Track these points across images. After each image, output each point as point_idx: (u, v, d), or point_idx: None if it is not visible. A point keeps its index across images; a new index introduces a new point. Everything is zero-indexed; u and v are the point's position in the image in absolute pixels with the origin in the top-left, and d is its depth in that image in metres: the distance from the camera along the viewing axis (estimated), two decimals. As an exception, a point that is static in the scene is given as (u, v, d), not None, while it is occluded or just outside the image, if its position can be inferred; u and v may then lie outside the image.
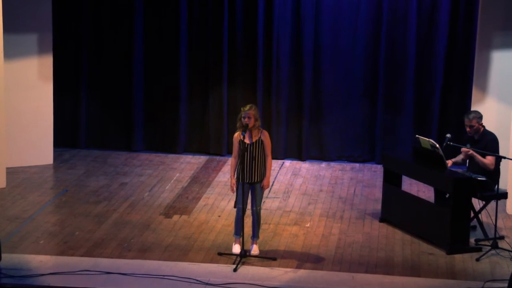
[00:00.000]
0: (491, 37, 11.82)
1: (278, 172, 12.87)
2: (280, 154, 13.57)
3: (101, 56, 13.78)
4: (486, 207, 10.23)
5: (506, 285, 8.62)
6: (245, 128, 9.20)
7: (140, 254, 9.42)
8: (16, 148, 12.51)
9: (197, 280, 8.70)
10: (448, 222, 9.62)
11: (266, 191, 11.42)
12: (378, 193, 11.50)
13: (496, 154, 10.00)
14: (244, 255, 9.22)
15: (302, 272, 9.03)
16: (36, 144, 12.77)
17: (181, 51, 13.59)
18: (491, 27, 11.78)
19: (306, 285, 8.74)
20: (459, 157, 10.43)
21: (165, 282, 8.70)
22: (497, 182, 10.03)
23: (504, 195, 10.23)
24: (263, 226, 10.16)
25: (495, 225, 9.73)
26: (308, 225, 10.54)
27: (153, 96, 13.84)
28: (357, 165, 13.41)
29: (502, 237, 10.07)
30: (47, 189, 11.80)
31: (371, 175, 12.81)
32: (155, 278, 8.77)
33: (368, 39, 13.28)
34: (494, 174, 10.06)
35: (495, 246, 9.66)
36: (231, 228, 9.78)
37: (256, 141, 9.28)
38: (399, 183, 10.67)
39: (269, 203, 11.34)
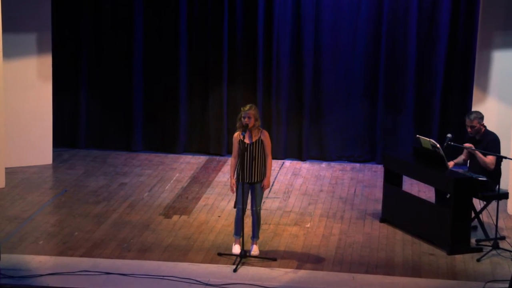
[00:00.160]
0: (492, 36, 11.81)
1: (278, 172, 12.85)
2: (280, 154, 13.56)
3: (100, 55, 13.76)
4: (487, 207, 10.21)
5: (507, 285, 8.64)
6: (245, 128, 9.18)
7: (139, 255, 9.40)
8: (15, 148, 12.49)
9: (197, 281, 8.69)
10: (449, 223, 9.61)
11: (266, 191, 11.43)
12: (378, 193, 11.48)
13: (497, 154, 9.97)
14: (244, 256, 9.20)
15: (302, 273, 9.01)
16: (35, 144, 12.76)
17: (181, 50, 13.58)
18: (492, 27, 11.77)
19: (306, 286, 8.72)
20: (460, 158, 10.43)
21: (164, 283, 8.68)
22: (498, 182, 10.04)
23: (505, 195, 10.22)
24: (263, 227, 10.15)
25: (496, 226, 9.72)
26: (308, 225, 10.52)
27: (152, 96, 13.82)
28: (357, 165, 13.39)
29: (503, 238, 10.06)
30: (46, 189, 11.79)
31: (372, 175, 12.80)
32: (155, 278, 8.76)
33: (369, 39, 13.26)
34: (495, 174, 10.04)
35: (496, 246, 9.64)
36: (231, 229, 9.76)
37: (256, 141, 9.26)
38: (399, 183, 10.66)
39: (269, 203, 11.32)
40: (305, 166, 13.30)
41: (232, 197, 9.67)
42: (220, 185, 12.09)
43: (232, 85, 13.64)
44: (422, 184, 11.53)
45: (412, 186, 11.76)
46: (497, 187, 10.02)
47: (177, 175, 12.62)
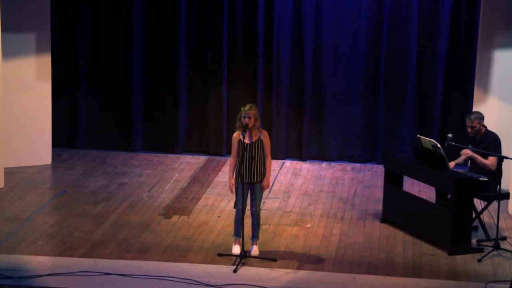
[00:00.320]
0: (493, 36, 11.79)
1: (278, 172, 12.83)
2: (281, 154, 13.54)
3: (100, 55, 13.75)
4: (488, 208, 10.19)
5: (508, 286, 8.63)
6: (245, 128, 9.17)
7: (139, 255, 9.39)
8: (14, 148, 12.48)
9: (197, 281, 8.68)
10: (449, 223, 9.59)
11: (266, 192, 11.42)
12: (379, 194, 11.46)
13: (498, 154, 9.95)
14: (244, 256, 9.19)
15: (302, 273, 9.00)
16: (35, 144, 12.74)
17: (180, 50, 13.56)
18: (493, 26, 11.76)
19: (307, 286, 8.71)
20: (461, 158, 10.39)
21: (164, 283, 8.67)
22: (499, 183, 10.02)
23: (506, 196, 10.20)
24: (263, 227, 10.15)
25: (497, 226, 9.71)
26: (308, 225, 10.50)
27: (152, 96, 13.80)
28: (358, 165, 13.37)
29: (504, 238, 10.05)
30: (45, 189, 11.77)
31: (372, 175, 12.78)
32: (155, 279, 8.74)
33: (369, 39, 13.24)
34: (496, 174, 10.03)
35: (497, 246, 9.63)
36: (231, 229, 9.74)
37: (255, 141, 9.24)
38: (400, 184, 10.64)
39: (269, 203, 11.30)
40: (305, 166, 13.28)
41: (232, 198, 9.65)
42: (220, 185, 12.07)
43: (232, 85, 13.62)
44: (422, 184, 11.52)
45: (413, 186, 11.75)
46: (498, 187, 10.00)
47: (177, 175, 12.60)
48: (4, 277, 8.66)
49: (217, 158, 13.59)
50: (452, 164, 10.12)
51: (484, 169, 10.01)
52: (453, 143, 10.18)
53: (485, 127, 10.19)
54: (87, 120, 13.87)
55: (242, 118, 9.20)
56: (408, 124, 13.29)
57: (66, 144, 13.83)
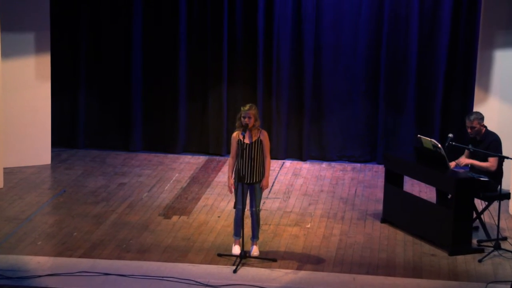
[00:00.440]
0: (494, 36, 11.78)
1: (278, 173, 12.81)
2: (281, 154, 13.52)
3: (99, 55, 13.73)
4: (489, 208, 10.18)
5: (509, 286, 8.61)
6: (245, 128, 9.15)
7: (139, 255, 9.37)
8: (13, 148, 12.46)
9: (197, 282, 8.67)
10: (450, 223, 9.58)
11: (266, 192, 11.42)
12: (379, 194, 11.44)
13: (499, 155, 9.93)
14: (244, 256, 9.18)
15: (302, 274, 8.98)
16: (34, 144, 12.72)
17: (180, 50, 13.54)
18: (494, 26, 11.75)
19: (307, 287, 8.69)
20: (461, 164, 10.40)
21: (164, 284, 8.65)
22: (500, 183, 9.99)
23: (507, 196, 10.19)
24: (263, 227, 10.14)
25: (498, 226, 9.71)
26: (308, 226, 10.49)
27: (152, 96, 13.79)
28: (358, 165, 13.36)
29: (504, 238, 10.04)
30: (45, 189, 11.75)
31: (372, 176, 12.76)
32: (154, 279, 8.73)
33: (370, 38, 13.22)
34: (496, 174, 10.02)
35: (497, 247, 9.62)
36: (231, 229, 9.72)
37: (255, 141, 9.23)
38: (400, 184, 10.62)
39: (269, 203, 11.28)
40: (305, 166, 13.26)
41: (232, 198, 9.64)
42: (220, 185, 12.05)
43: (232, 84, 13.60)
44: (423, 185, 11.50)
45: (413, 187, 11.74)
46: (499, 187, 9.98)
47: (177, 175, 12.58)
48: (4, 277, 8.64)
49: (217, 158, 13.57)
50: (452, 164, 10.10)
51: (486, 172, 10.00)
52: (453, 143, 10.16)
53: (485, 127, 10.17)
54: (86, 120, 13.85)
55: (242, 118, 9.18)
56: (408, 124, 13.27)
57: (66, 144, 13.82)
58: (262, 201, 9.38)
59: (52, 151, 13.06)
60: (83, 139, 13.87)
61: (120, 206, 11.07)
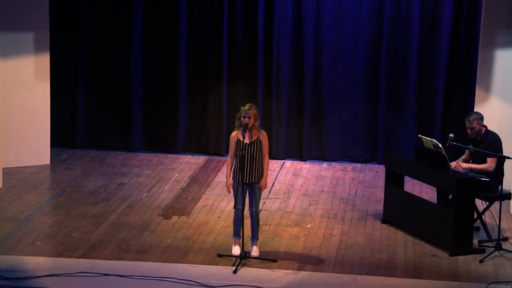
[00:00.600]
0: (495, 35, 11.76)
1: (278, 173, 12.79)
2: (281, 154, 13.50)
3: (99, 54, 13.71)
4: (490, 208, 10.16)
5: (510, 287, 8.57)
6: (245, 128, 9.13)
7: (138, 256, 9.35)
8: (12, 148, 12.44)
9: (196, 282, 8.65)
10: (451, 223, 9.57)
11: (266, 192, 11.40)
12: (380, 194, 11.43)
13: (498, 154, 9.90)
14: (244, 257, 9.16)
15: (303, 274, 8.96)
16: (33, 144, 12.70)
17: (180, 49, 13.52)
18: (495, 26, 11.73)
19: (307, 287, 8.64)
20: (462, 158, 10.38)
21: (164, 284, 8.64)
22: (501, 183, 9.96)
23: (508, 196, 10.16)
24: (263, 227, 10.13)
25: (499, 226, 9.72)
26: (309, 226, 10.47)
27: (151, 96, 13.76)
28: (358, 165, 13.33)
29: (506, 239, 10.01)
30: (44, 189, 11.72)
31: (373, 176, 12.74)
32: (154, 280, 8.71)
33: (370, 38, 13.20)
34: (497, 174, 10.00)
35: (498, 247, 9.61)
36: (231, 229, 9.69)
37: (254, 141, 9.20)
38: (401, 184, 10.60)
39: (270, 203, 11.26)
40: (305, 166, 13.24)
41: (232, 198, 9.60)
42: (220, 185, 12.02)
43: (231, 84, 13.58)
44: (424, 185, 11.48)
45: (414, 187, 11.71)
46: (500, 187, 9.95)
47: (176, 175, 12.56)
48: (3, 278, 8.63)
49: (217, 158, 13.55)
50: (453, 164, 10.07)
51: (486, 172, 9.98)
52: (454, 143, 10.14)
53: (485, 127, 10.16)
54: (86, 120, 13.82)
55: (242, 118, 9.17)
56: (409, 124, 13.25)
57: (65, 144, 13.79)
58: (262, 201, 9.36)
59: (51, 151, 13.03)
60: (82, 139, 13.85)
61: (119, 206, 11.05)
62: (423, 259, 9.44)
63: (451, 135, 10.26)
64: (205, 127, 13.76)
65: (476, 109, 11.70)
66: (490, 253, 9.50)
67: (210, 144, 13.75)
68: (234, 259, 9.20)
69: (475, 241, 9.81)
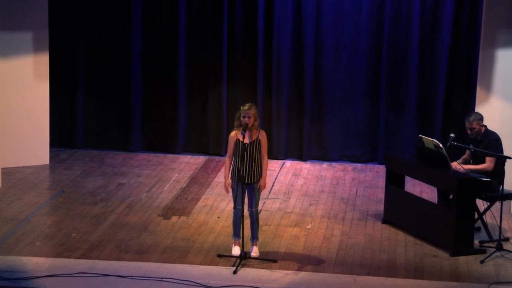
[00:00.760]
0: (496, 35, 11.75)
1: (278, 173, 12.77)
2: (281, 154, 13.48)
3: (98, 54, 13.69)
4: (491, 208, 10.14)
5: (511, 287, 8.54)
6: (245, 128, 9.11)
7: (138, 256, 9.34)
8: (11, 148, 12.43)
9: (196, 283, 8.63)
10: (452, 224, 9.55)
11: (266, 192, 11.39)
12: (380, 194, 11.42)
13: (498, 154, 9.87)
14: (244, 257, 9.15)
15: (303, 275, 8.94)
16: (32, 144, 12.68)
17: (180, 49, 13.49)
18: (496, 25, 11.73)
19: (308, 288, 8.65)
20: (463, 158, 10.36)
21: (163, 285, 8.62)
22: (502, 183, 9.92)
23: (509, 196, 10.16)
24: (263, 228, 10.13)
25: (500, 227, 9.70)
26: (309, 226, 10.45)
27: (151, 95, 13.75)
28: (359, 165, 13.31)
29: (507, 239, 10.00)
30: (43, 190, 11.70)
31: (374, 176, 12.73)
32: (153, 280, 8.69)
33: (371, 37, 13.18)
34: (498, 174, 9.97)
35: (499, 248, 9.59)
36: (231, 230, 9.66)
37: (254, 140, 9.17)
38: (402, 184, 10.58)
39: (270, 204, 11.24)
40: (306, 166, 13.22)
41: (232, 198, 9.57)
42: (220, 185, 12.00)
43: (231, 84, 13.55)
44: (424, 185, 11.46)
45: (415, 187, 11.70)
46: (501, 187, 9.92)
47: (176, 175, 12.53)
48: (2, 278, 8.61)
49: (217, 158, 13.53)
50: (454, 164, 10.05)
51: (486, 172, 9.96)
52: (455, 143, 10.12)
53: (485, 126, 10.13)
54: (85, 119, 13.80)
55: (241, 118, 9.15)
56: (409, 123, 13.22)
57: (64, 144, 13.77)
58: (262, 202, 9.34)
59: (50, 151, 13.02)
60: (81, 139, 13.82)
61: (119, 206, 11.02)
62: (423, 260, 9.42)
63: (452, 135, 10.24)
64: (205, 127, 13.73)
65: (477, 109, 11.70)
66: (491, 254, 9.48)
67: (210, 144, 13.73)
68: (234, 259, 9.18)
69: (476, 242, 9.79)
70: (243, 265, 9.05)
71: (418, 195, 11.04)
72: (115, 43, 13.62)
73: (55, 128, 13.24)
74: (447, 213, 9.66)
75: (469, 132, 10.12)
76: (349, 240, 9.97)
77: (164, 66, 13.62)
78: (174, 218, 10.61)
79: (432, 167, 9.95)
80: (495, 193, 9.93)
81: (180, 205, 11.14)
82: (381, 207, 10.84)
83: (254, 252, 9.33)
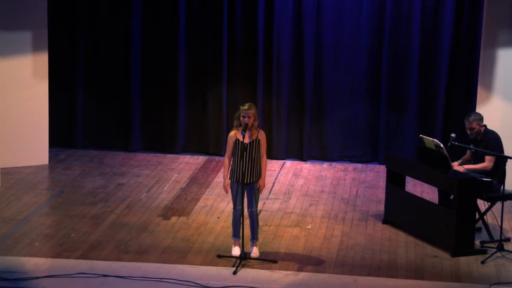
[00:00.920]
0: (497, 34, 11.73)
1: (278, 173, 12.75)
2: (281, 154, 13.46)
3: (97, 54, 13.68)
4: (492, 209, 10.13)
5: (512, 288, 8.57)
6: (245, 128, 9.08)
7: (137, 257, 9.32)
8: (10, 148, 12.42)
9: (196, 283, 8.62)
10: (452, 224, 9.53)
11: (266, 192, 11.37)
12: (381, 194, 11.41)
13: (498, 154, 9.85)
14: (244, 258, 9.13)
15: (303, 275, 8.93)
16: (31, 144, 12.66)
17: (179, 49, 13.48)
18: (497, 25, 11.71)
19: (308, 289, 8.64)
20: (464, 158, 10.36)
21: (163, 285, 8.60)
22: (503, 183, 9.90)
23: (510, 196, 10.11)
24: (263, 228, 10.13)
25: (501, 227, 9.68)
26: (309, 226, 10.43)
27: (151, 95, 13.73)
28: (359, 165, 13.29)
29: (508, 239, 9.99)
30: (42, 190, 11.69)
31: (374, 176, 12.70)
32: (153, 281, 8.68)
33: (371, 37, 13.16)
34: (499, 174, 9.96)
35: (500, 248, 9.57)
36: (231, 230, 9.65)
37: (253, 140, 9.15)
38: (402, 184, 10.57)
39: (270, 204, 11.22)
40: (306, 167, 13.20)
41: (231, 198, 9.56)
42: (220, 185, 11.98)
43: (231, 84, 13.53)
44: (425, 185, 11.46)
45: (415, 187, 11.69)
46: (502, 187, 9.89)
47: (176, 175, 12.51)
48: (1, 279, 8.60)
49: (217, 158, 13.51)
50: (455, 164, 10.03)
51: (485, 172, 9.93)
52: (456, 143, 10.11)
53: (485, 126, 10.11)
54: (84, 119, 13.79)
55: (241, 118, 9.13)
56: (410, 123, 13.20)
57: (64, 144, 13.76)
58: (262, 202, 9.32)
59: (49, 151, 13.01)
60: (81, 139, 13.81)
61: (118, 206, 11.00)
62: (424, 260, 9.40)
63: (453, 134, 10.22)
64: (205, 127, 13.71)
65: (477, 109, 11.69)
66: (492, 254, 9.46)
67: (209, 144, 13.71)
68: (234, 260, 9.16)
69: (477, 242, 9.77)
70: (243, 266, 9.03)
71: (419, 195, 11.02)
72: (114, 42, 13.61)
73: (54, 128, 13.23)
74: (448, 213, 9.64)
75: (468, 132, 10.10)
76: (350, 241, 9.95)
77: (164, 66, 13.60)
78: (173, 219, 10.59)
79: (433, 167, 9.93)
80: (496, 193, 9.91)
81: (180, 206, 11.12)
82: (381, 208, 10.83)
83: (254, 252, 9.31)
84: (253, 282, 8.67)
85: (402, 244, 9.87)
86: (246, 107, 9.12)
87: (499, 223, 9.72)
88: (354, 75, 13.29)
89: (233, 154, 9.21)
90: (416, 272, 9.08)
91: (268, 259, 9.21)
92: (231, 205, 9.76)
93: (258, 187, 9.21)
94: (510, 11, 11.63)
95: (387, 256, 9.51)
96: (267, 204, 11.19)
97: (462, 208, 9.49)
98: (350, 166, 13.25)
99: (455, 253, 9.49)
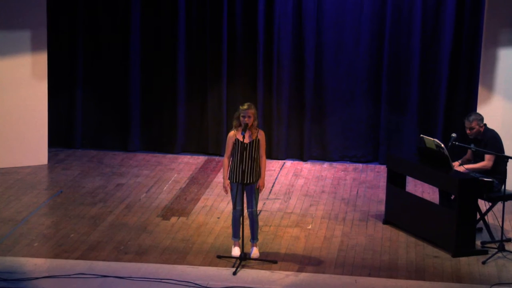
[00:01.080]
0: (498, 34, 11.72)
1: (279, 173, 12.73)
2: (281, 154, 13.44)
3: (97, 53, 13.66)
4: (493, 209, 10.11)
5: (513, 289, 8.55)
6: (245, 128, 9.07)
7: (137, 257, 9.31)
8: (9, 148, 12.42)
9: (196, 284, 8.61)
10: (453, 224, 9.52)
11: (266, 192, 11.36)
12: (381, 194, 11.39)
13: (498, 154, 9.83)
14: (244, 258, 9.12)
15: (303, 276, 8.92)
16: (30, 144, 12.64)
17: (179, 48, 13.46)
18: (498, 24, 11.70)
19: (308, 289, 8.63)
20: (464, 158, 10.36)
21: (162, 286, 8.59)
22: (504, 183, 9.89)
23: (511, 197, 10.07)
24: (263, 228, 10.13)
25: (502, 227, 9.67)
26: (309, 227, 10.41)
27: (150, 95, 13.71)
28: (360, 165, 13.27)
29: (509, 240, 9.97)
30: (41, 190, 11.68)
31: (375, 176, 12.69)
32: (153, 281, 8.67)
33: (372, 36, 13.14)
34: (500, 174, 9.95)
35: (501, 248, 9.56)
36: (231, 230, 9.62)
37: (253, 140, 9.14)
38: (403, 184, 10.55)
39: (270, 204, 11.20)
40: (306, 167, 13.18)
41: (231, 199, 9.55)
42: (219, 186, 11.95)
43: (231, 84, 13.51)
44: (426, 185, 11.46)
45: (416, 187, 11.68)
46: (503, 188, 9.88)
47: (175, 175, 12.49)
48: (0, 279, 8.57)
49: (216, 158, 13.49)
50: (456, 164, 10.01)
51: (486, 171, 9.90)
52: (457, 143, 10.10)
53: (485, 125, 10.09)
54: (84, 119, 13.77)
55: (241, 118, 9.11)
56: (411, 123, 13.18)
57: (63, 144, 13.75)
58: (262, 202, 9.30)
59: (49, 151, 12.99)
60: (80, 139, 13.78)
61: (117, 207, 10.98)
62: (425, 261, 9.39)
63: (454, 134, 10.22)
64: (205, 127, 13.69)
65: (478, 109, 11.68)
66: (493, 255, 9.45)
67: (209, 144, 13.69)
68: (233, 260, 9.15)
69: (478, 242, 9.76)
70: (243, 266, 9.02)
71: (420, 195, 11.03)
72: (114, 42, 13.59)
73: (53, 128, 13.22)
74: (448, 213, 9.63)
75: (468, 132, 10.09)
76: (350, 241, 9.94)
77: (164, 66, 13.58)
78: (173, 219, 10.57)
79: (433, 167, 9.91)
80: (497, 193, 9.90)
81: (180, 206, 11.10)
82: (382, 208, 10.81)
83: (254, 253, 9.30)
84: (253, 282, 8.66)
85: (403, 244, 9.86)
86: (245, 107, 9.10)
87: (500, 223, 9.72)
88: (355, 75, 13.27)
89: (232, 154, 9.19)
90: (417, 272, 9.07)
91: (268, 260, 9.20)
92: (231, 206, 9.74)
93: (257, 187, 9.20)
94: (510, 11, 11.61)
95: (388, 256, 9.49)
96: (267, 204, 11.18)
97: (463, 208, 9.47)
98: (351, 166, 13.23)
99: (456, 254, 9.47)
